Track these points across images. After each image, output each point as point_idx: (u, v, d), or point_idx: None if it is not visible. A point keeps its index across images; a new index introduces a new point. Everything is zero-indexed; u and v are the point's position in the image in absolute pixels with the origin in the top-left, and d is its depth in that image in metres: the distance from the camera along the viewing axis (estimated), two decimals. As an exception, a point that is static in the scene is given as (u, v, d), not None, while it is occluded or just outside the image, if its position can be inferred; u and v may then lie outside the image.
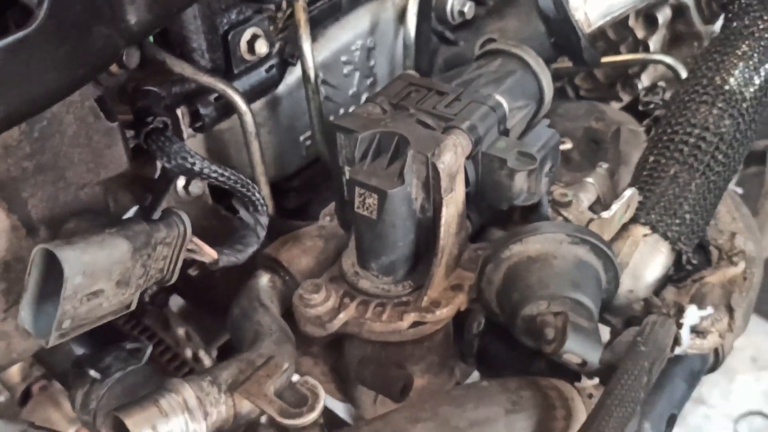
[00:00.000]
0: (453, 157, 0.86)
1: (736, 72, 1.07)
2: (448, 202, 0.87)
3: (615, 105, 1.52)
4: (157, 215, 0.84)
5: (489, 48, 1.08)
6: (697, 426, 2.13)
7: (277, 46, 1.04)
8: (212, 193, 1.05)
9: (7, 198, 0.74)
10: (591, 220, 0.93)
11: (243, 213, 0.85)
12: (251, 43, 0.98)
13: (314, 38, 1.13)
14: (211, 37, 0.96)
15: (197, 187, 1.04)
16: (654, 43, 1.48)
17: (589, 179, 1.08)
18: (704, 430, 2.14)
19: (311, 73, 1.03)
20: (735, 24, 1.10)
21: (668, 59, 1.38)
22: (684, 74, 1.35)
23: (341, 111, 1.20)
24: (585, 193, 1.05)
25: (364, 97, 1.23)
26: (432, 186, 0.87)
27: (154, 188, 1.00)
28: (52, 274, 0.69)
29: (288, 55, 1.03)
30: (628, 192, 0.97)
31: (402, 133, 0.88)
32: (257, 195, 0.84)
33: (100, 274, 0.70)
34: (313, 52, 1.08)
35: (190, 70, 0.92)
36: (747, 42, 1.09)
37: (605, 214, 0.93)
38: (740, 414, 2.15)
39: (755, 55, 1.07)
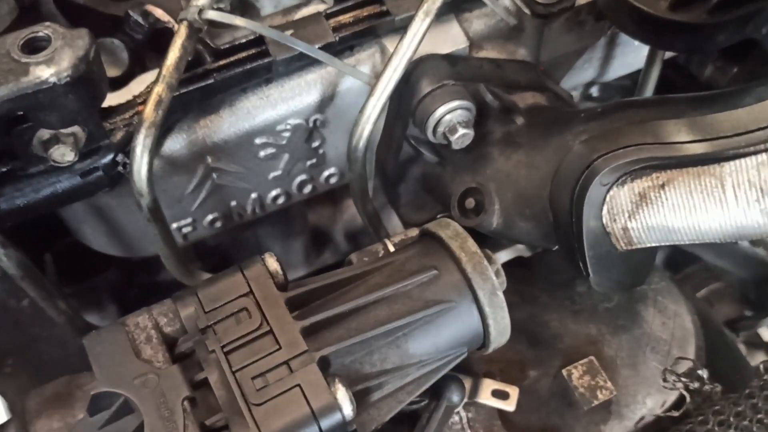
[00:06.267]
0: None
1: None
2: None
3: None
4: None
5: (435, 232, 0.67)
6: None
7: (119, 135, 0.69)
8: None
9: None
10: None
11: None
12: (46, 145, 0.64)
13: (215, 108, 0.76)
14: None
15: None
16: None
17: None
18: None
19: (144, 202, 0.68)
20: None
21: None
22: None
23: (253, 196, 0.85)
24: None
25: (298, 180, 0.86)
26: None
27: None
28: None
29: (122, 160, 0.68)
30: None
31: (146, 417, 0.56)
32: None
33: None
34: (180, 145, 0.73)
35: None
36: None
37: None
38: None
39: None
